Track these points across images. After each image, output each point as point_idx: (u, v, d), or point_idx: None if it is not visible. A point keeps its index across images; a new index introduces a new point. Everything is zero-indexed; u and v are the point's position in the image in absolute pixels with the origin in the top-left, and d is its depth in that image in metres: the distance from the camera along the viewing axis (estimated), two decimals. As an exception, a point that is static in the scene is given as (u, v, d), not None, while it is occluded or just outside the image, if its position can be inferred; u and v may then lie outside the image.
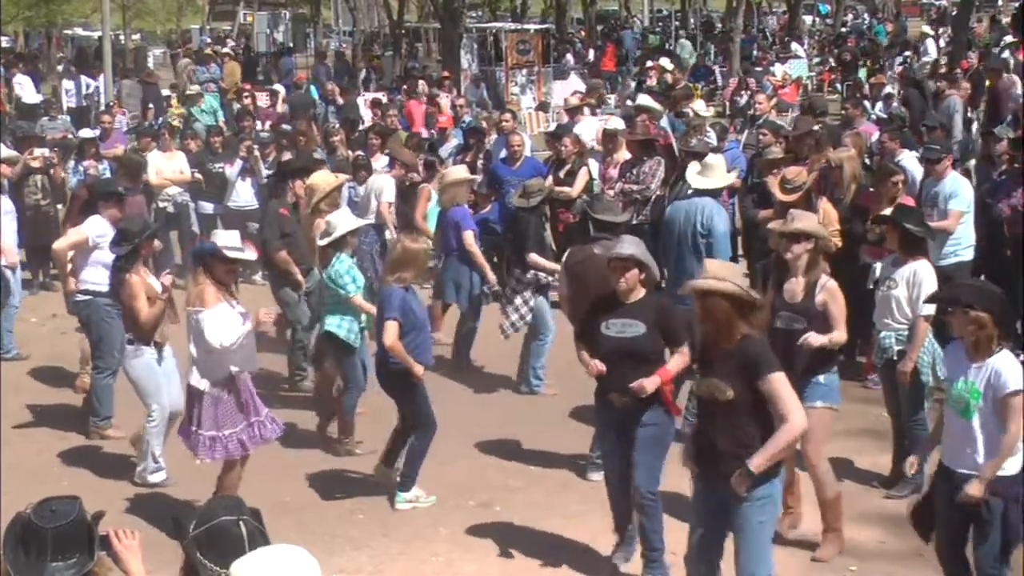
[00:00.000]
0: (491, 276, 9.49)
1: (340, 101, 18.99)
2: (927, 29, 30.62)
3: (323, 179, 9.23)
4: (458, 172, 9.96)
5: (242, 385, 6.55)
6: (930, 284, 6.76)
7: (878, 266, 7.56)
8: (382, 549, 6.54)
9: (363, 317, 7.80)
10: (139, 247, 7.40)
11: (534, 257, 8.91)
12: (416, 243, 7.25)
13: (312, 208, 8.92)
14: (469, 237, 9.38)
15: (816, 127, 10.87)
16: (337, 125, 14.66)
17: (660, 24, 44.46)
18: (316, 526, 6.81)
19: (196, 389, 6.50)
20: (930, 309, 6.69)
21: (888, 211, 7.66)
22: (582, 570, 6.20)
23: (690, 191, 8.54)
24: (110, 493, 7.11)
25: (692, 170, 8.70)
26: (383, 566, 6.31)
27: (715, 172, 8.43)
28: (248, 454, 6.64)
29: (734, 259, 9.63)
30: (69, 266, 8.55)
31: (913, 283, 6.78)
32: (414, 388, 7.06)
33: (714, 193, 8.35)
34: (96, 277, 8.18)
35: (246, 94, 18.55)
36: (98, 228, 8.28)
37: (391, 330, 6.89)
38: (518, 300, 8.90)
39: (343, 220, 7.98)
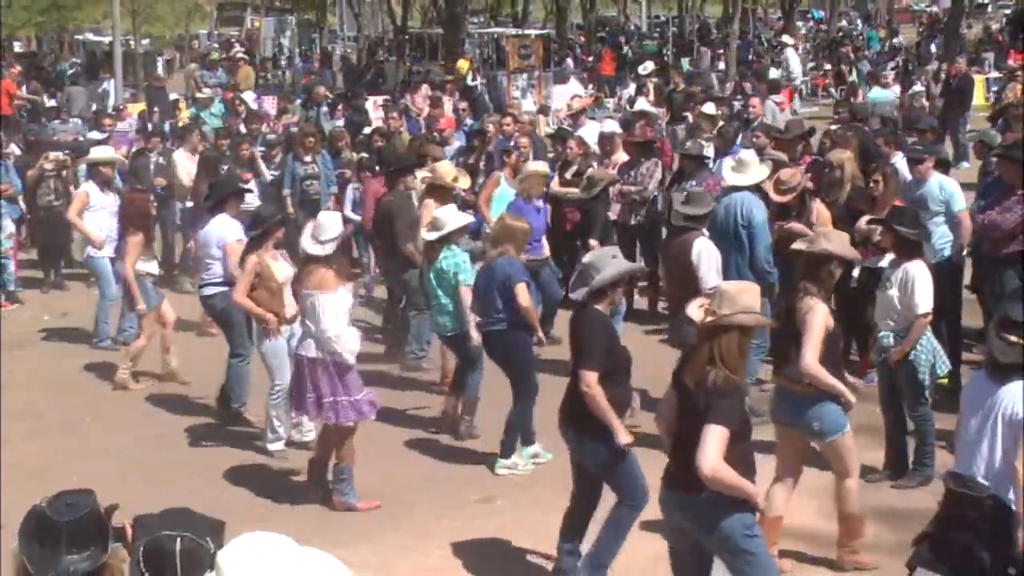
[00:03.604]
0: None
1: (325, 108, 19.25)
2: (787, 39, 30.11)
3: (448, 168, 9.50)
4: (536, 165, 10.21)
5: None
6: (923, 284, 6.91)
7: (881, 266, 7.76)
8: (387, 542, 6.63)
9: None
10: (269, 230, 7.65)
11: (593, 244, 9.33)
12: (517, 221, 7.73)
13: (426, 189, 9.24)
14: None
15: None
16: (342, 127, 15.00)
17: (659, 30, 44.86)
18: (322, 519, 6.92)
19: (328, 359, 6.84)
20: (926, 308, 6.88)
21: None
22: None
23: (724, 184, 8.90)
24: (117, 490, 7.18)
25: (727, 166, 9.02)
26: (387, 559, 6.39)
27: (750, 168, 8.69)
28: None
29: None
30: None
31: (906, 283, 6.93)
32: (519, 353, 7.50)
33: (750, 188, 8.65)
34: (218, 269, 8.49)
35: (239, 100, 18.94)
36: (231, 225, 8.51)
37: (524, 292, 7.42)
38: None
39: (451, 216, 8.09)
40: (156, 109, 19.97)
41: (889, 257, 7.82)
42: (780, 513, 6.16)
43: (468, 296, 7.84)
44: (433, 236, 8.01)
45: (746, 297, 4.91)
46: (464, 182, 9.44)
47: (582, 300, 5.90)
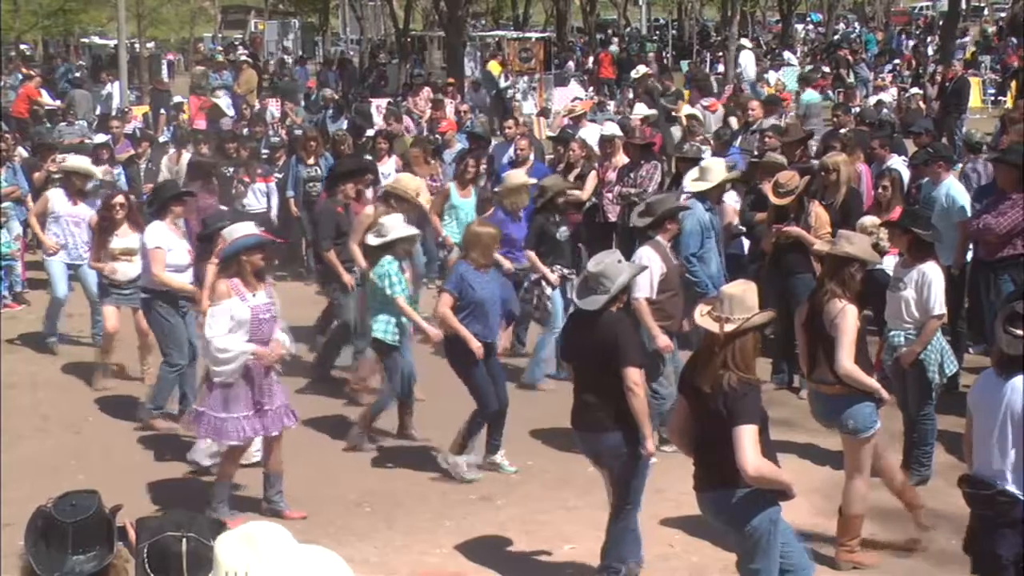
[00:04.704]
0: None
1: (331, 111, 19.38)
2: (744, 42, 29.95)
3: (411, 180, 9.38)
4: (518, 177, 9.97)
5: (253, 374, 6.75)
6: (939, 285, 6.97)
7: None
8: (387, 541, 6.67)
9: (404, 320, 7.94)
10: (212, 237, 7.67)
11: (530, 255, 9.32)
12: (484, 226, 7.77)
13: (383, 196, 9.09)
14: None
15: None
16: (345, 131, 15.13)
17: (658, 33, 45.05)
18: (322, 517, 6.94)
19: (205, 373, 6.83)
20: (941, 309, 6.94)
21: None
22: (580, 563, 6.32)
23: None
24: (125, 487, 7.20)
25: (690, 177, 9.03)
26: (388, 557, 6.42)
27: (711, 175, 8.69)
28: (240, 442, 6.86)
29: (738, 260, 9.93)
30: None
31: (922, 284, 6.99)
32: (467, 363, 7.45)
33: (704, 195, 8.69)
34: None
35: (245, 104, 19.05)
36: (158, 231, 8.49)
37: (443, 300, 7.44)
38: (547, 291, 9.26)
39: (397, 225, 8.02)
40: (162, 111, 20.07)
41: (890, 259, 7.93)
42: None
43: (404, 306, 7.84)
44: (376, 242, 7.96)
45: (750, 297, 5.03)
46: (424, 196, 9.29)
47: (598, 308, 5.85)
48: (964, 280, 9.24)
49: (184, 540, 3.12)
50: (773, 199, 8.94)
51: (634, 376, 5.74)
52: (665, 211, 7.78)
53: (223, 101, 19.30)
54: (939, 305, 6.99)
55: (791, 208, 8.85)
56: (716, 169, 8.86)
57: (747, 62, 26.79)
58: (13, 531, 5.40)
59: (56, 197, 10.58)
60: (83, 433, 8.63)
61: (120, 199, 9.44)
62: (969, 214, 9.06)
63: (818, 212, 8.88)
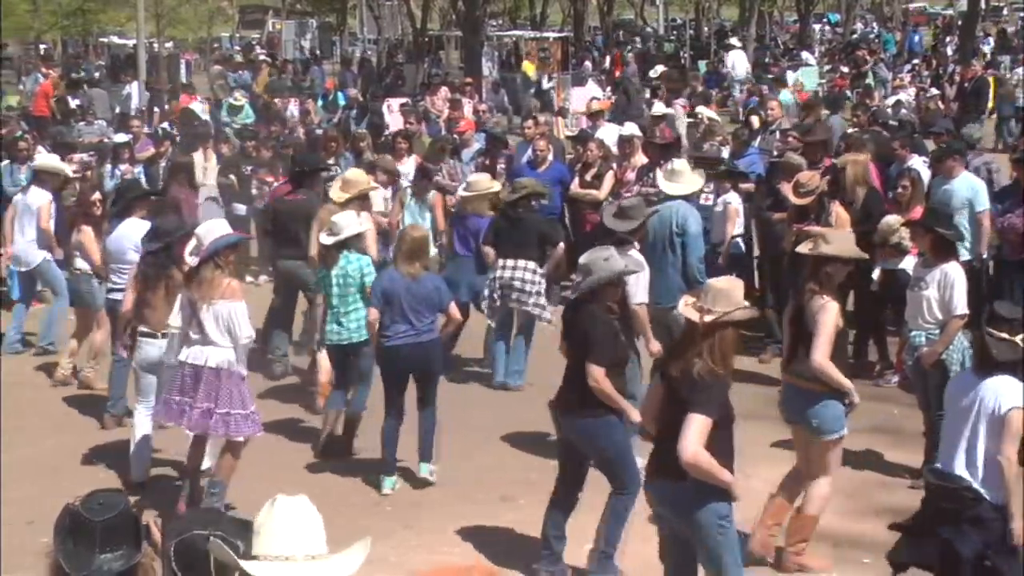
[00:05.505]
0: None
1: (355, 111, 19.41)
2: (734, 42, 29.76)
3: (358, 176, 9.40)
4: (482, 184, 9.85)
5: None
6: (961, 285, 6.98)
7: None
8: (405, 541, 6.68)
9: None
10: (172, 244, 7.42)
11: (487, 251, 9.27)
12: (420, 231, 7.79)
13: (344, 202, 8.90)
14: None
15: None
16: (364, 130, 15.19)
17: (675, 33, 45.01)
18: (340, 518, 6.73)
19: (226, 372, 6.71)
20: (964, 309, 6.94)
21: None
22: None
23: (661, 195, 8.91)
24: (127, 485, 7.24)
25: (661, 176, 8.98)
26: (406, 557, 6.42)
27: (684, 177, 8.66)
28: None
29: (741, 260, 9.95)
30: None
31: (944, 284, 6.99)
32: (441, 364, 7.59)
33: (686, 197, 8.66)
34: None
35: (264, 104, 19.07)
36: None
37: (456, 307, 7.65)
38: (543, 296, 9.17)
39: (350, 222, 7.95)
40: (156, 110, 20.19)
41: (909, 259, 7.93)
42: (785, 500, 6.26)
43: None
44: (330, 240, 7.85)
45: (736, 292, 5.06)
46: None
47: (573, 299, 6.13)
48: (983, 276, 9.22)
49: (211, 539, 3.16)
50: (793, 199, 8.94)
51: (596, 373, 5.88)
52: (647, 216, 7.68)
53: (198, 106, 19.22)
54: (961, 305, 6.98)
55: (811, 208, 8.84)
56: (687, 172, 8.81)
57: (737, 62, 26.78)
58: (33, 528, 5.33)
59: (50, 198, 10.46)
60: (94, 431, 8.61)
61: (98, 196, 9.42)
62: (986, 207, 9.04)
63: (839, 212, 8.87)
